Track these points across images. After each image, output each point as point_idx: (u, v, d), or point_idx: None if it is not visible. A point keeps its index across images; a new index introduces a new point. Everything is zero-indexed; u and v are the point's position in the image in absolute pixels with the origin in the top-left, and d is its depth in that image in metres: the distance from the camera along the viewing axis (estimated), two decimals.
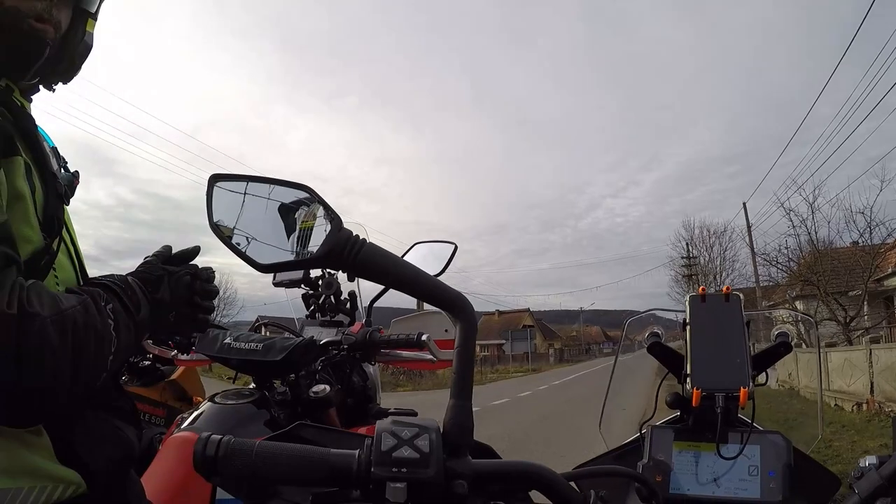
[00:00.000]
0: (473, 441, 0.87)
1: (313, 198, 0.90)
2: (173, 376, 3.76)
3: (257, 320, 2.95)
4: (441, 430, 0.83)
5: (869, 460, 1.01)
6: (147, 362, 3.65)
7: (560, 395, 22.49)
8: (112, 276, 1.19)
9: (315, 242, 0.87)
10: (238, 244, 0.91)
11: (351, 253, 0.83)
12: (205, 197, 0.96)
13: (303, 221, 0.90)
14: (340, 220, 0.85)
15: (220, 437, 0.81)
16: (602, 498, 0.89)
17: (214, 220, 0.94)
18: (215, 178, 0.96)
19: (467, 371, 0.86)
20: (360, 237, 0.85)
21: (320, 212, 0.88)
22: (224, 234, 0.93)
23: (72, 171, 3.00)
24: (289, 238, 0.90)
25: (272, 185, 0.94)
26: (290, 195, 0.92)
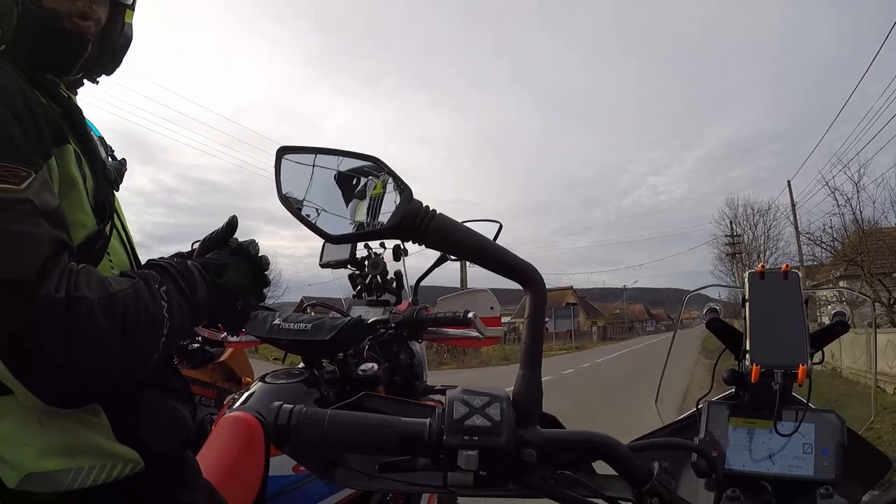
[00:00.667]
0: (542, 411, 0.88)
1: (382, 169, 0.90)
2: (222, 358, 3.81)
3: (302, 301, 2.99)
4: (511, 399, 0.84)
5: None
6: (196, 345, 3.71)
7: (603, 373, 22.33)
8: (171, 257, 1.22)
9: (385, 213, 0.87)
10: (308, 216, 0.92)
11: (423, 223, 0.84)
12: (273, 169, 0.97)
13: (373, 192, 0.91)
14: (411, 191, 0.86)
15: (292, 406, 0.83)
16: (666, 469, 0.90)
17: (283, 192, 0.94)
18: (283, 151, 0.97)
19: (537, 341, 0.87)
20: (432, 208, 0.86)
21: (390, 183, 0.89)
22: (293, 206, 0.93)
23: (119, 158, 3.07)
24: (360, 209, 0.91)
25: (340, 157, 0.94)
26: (360, 166, 0.93)
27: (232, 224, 1.31)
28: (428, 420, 0.81)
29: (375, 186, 0.91)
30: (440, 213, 0.86)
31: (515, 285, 0.89)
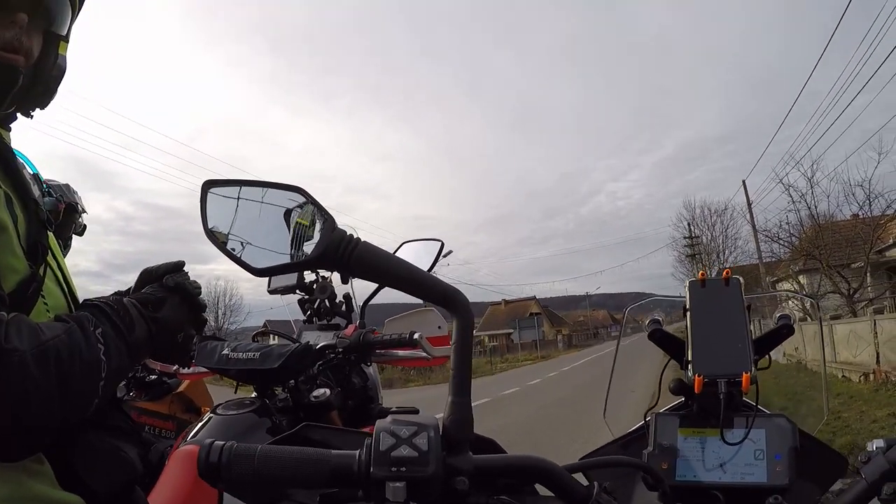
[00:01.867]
0: (474, 436, 0.87)
1: (306, 199, 0.89)
2: (180, 389, 3.75)
3: (265, 325, 2.96)
4: (441, 426, 0.83)
5: (876, 444, 0.99)
6: (154, 376, 3.65)
7: (569, 381, 22.54)
8: (108, 296, 1.18)
9: (310, 244, 0.86)
10: (233, 249, 0.91)
11: (346, 253, 0.83)
12: (199, 204, 0.95)
13: (297, 223, 0.89)
14: (334, 221, 0.85)
15: (223, 443, 0.81)
16: (606, 489, 0.89)
17: (209, 226, 0.94)
18: (208, 185, 0.96)
19: (465, 367, 0.86)
20: (355, 237, 0.85)
21: (314, 213, 0.88)
22: (219, 241, 0.92)
23: (55, 195, 3.01)
24: (283, 241, 0.90)
25: (265, 189, 0.93)
26: (284, 198, 0.92)
27: (178, 265, 1.30)
28: (358, 452, 0.80)
29: (300, 217, 0.90)
30: (364, 242, 0.85)
31: (477, 299, 0.88)
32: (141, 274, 1.29)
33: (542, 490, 0.94)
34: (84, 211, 3.46)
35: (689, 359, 1.18)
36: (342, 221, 0.87)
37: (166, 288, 1.25)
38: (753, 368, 1.15)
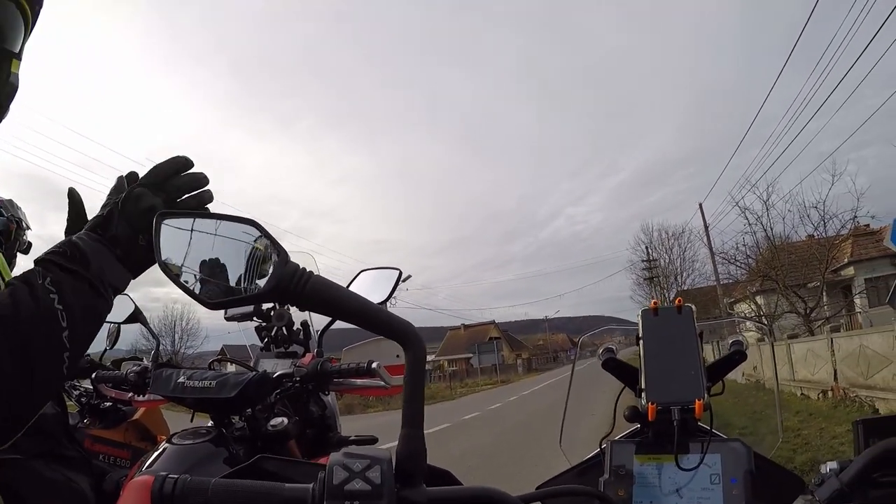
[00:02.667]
0: (427, 468, 0.87)
1: (260, 232, 0.89)
2: (135, 416, 3.68)
3: (222, 350, 2.93)
4: (393, 459, 0.82)
5: (830, 466, 1.01)
6: (108, 403, 3.58)
7: (529, 406, 22.58)
8: (56, 244, 1.10)
9: (262, 277, 0.86)
10: (186, 282, 0.90)
11: (298, 286, 0.83)
12: (152, 235, 0.95)
13: (249, 256, 0.89)
14: (287, 254, 0.85)
15: (175, 476, 0.80)
16: None
17: (163, 258, 0.93)
18: (162, 216, 0.95)
19: (417, 399, 0.86)
20: (308, 270, 0.85)
21: (267, 246, 0.88)
22: (172, 273, 0.92)
23: (6, 215, 2.96)
24: (237, 274, 0.89)
25: (218, 221, 0.93)
26: (237, 230, 0.91)
27: (131, 174, 1.20)
28: (311, 486, 0.79)
29: (252, 250, 0.89)
30: (316, 275, 0.85)
31: (436, 323, 0.88)
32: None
33: None
34: (28, 227, 3.40)
35: (643, 387, 1.19)
36: (301, 246, 0.86)
37: (110, 201, 1.16)
38: (706, 395, 1.16)
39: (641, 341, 1.27)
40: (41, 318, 0.94)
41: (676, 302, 1.31)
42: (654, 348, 1.25)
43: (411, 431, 0.84)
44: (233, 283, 0.89)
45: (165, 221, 0.95)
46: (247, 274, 0.88)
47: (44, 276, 0.98)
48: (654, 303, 1.31)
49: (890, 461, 0.97)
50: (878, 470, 0.97)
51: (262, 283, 0.85)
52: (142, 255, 1.14)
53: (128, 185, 1.17)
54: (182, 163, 1.16)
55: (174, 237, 0.94)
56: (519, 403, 24.76)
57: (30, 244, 3.70)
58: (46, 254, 1.06)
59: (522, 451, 11.24)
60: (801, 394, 15.46)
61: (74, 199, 1.21)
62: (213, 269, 0.91)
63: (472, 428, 16.74)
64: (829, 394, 13.76)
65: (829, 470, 1.01)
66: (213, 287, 0.90)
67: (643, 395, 1.18)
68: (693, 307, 1.31)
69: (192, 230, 0.94)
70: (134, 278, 1.15)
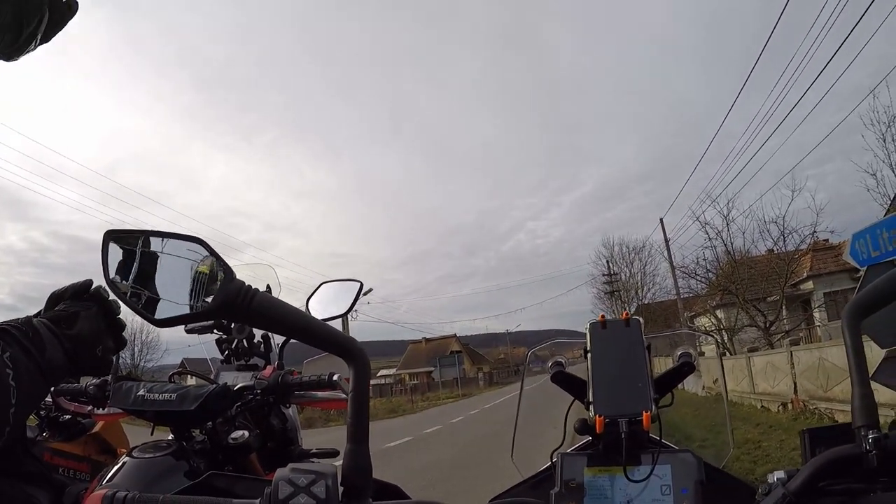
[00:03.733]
0: (373, 483, 0.88)
1: (206, 250, 0.90)
2: (95, 429, 3.62)
3: (182, 364, 2.90)
4: (339, 475, 0.83)
5: (777, 475, 1.02)
6: (68, 416, 3.52)
7: (491, 419, 22.54)
8: (16, 319, 1.12)
9: (209, 295, 0.86)
10: (134, 300, 0.91)
11: (244, 303, 0.83)
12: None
13: (196, 274, 0.90)
14: (233, 272, 0.86)
15: (125, 493, 0.80)
16: None
17: (111, 277, 0.93)
18: (110, 235, 0.96)
19: (363, 414, 0.87)
20: (254, 287, 0.86)
21: (213, 264, 0.88)
22: (120, 291, 0.92)
23: None
24: (183, 291, 0.90)
25: (166, 239, 0.94)
26: (184, 248, 0.92)
27: (86, 284, 1.24)
28: (258, 501, 0.80)
29: (199, 267, 0.90)
30: (262, 293, 0.86)
31: (398, 337, 0.88)
32: (49, 297, 1.22)
33: None
34: None
35: (591, 399, 1.21)
36: (262, 258, 0.87)
37: (78, 302, 1.20)
38: (654, 407, 1.18)
39: (589, 354, 1.28)
40: None
41: (623, 314, 1.33)
42: (602, 361, 1.26)
43: (356, 447, 0.85)
44: (180, 300, 0.90)
45: (113, 240, 0.95)
46: (194, 291, 0.89)
47: (3, 350, 0.98)
48: (602, 316, 1.33)
49: (835, 470, 0.98)
50: (825, 479, 0.98)
51: (208, 300, 0.86)
52: (89, 361, 1.18)
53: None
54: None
55: (121, 256, 0.95)
56: (480, 416, 24.74)
57: None
58: (6, 325, 1.06)
59: (485, 465, 11.22)
60: (762, 406, 15.64)
61: (84, 287, 1.23)
62: (160, 287, 0.92)
63: (433, 441, 16.68)
64: (789, 406, 13.93)
65: (777, 479, 1.02)
66: (161, 304, 0.90)
67: (591, 407, 1.20)
68: (640, 319, 1.33)
69: (139, 249, 0.94)
70: (72, 377, 1.18)
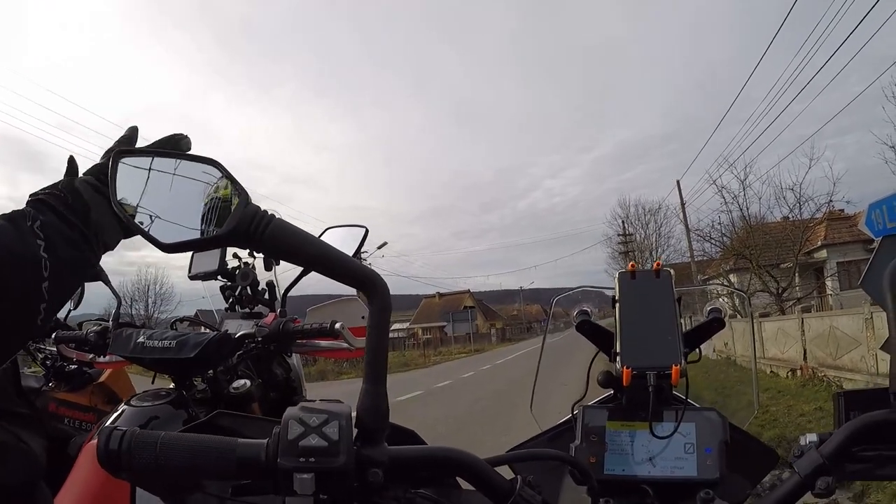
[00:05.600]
0: (390, 426, 0.83)
1: (221, 173, 0.84)
2: (101, 379, 3.62)
3: (196, 315, 2.88)
4: (353, 416, 0.79)
5: (809, 438, 0.99)
6: (73, 366, 3.52)
7: (503, 375, 22.71)
8: (54, 184, 1.03)
9: (222, 219, 0.81)
10: (141, 223, 0.85)
11: (258, 229, 0.78)
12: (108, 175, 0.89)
13: (209, 198, 0.84)
14: (248, 196, 0.80)
15: (123, 430, 0.76)
16: (530, 483, 0.86)
17: (118, 198, 0.88)
18: (119, 154, 0.90)
19: (381, 353, 0.82)
20: (269, 212, 0.80)
21: (228, 187, 0.83)
22: (126, 213, 0.87)
23: None
24: (195, 215, 0.84)
25: (179, 160, 0.88)
26: (197, 170, 0.86)
27: (131, 135, 1.10)
28: (266, 441, 0.75)
29: (213, 191, 0.84)
30: (278, 218, 0.80)
31: (412, 291, 0.83)
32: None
33: (464, 484, 0.91)
34: None
35: (618, 350, 1.16)
36: (279, 211, 0.82)
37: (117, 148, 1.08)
38: (683, 361, 1.13)
39: (618, 304, 1.23)
40: (21, 263, 0.87)
41: (655, 265, 1.27)
42: (631, 312, 1.21)
43: (372, 387, 0.81)
44: (190, 225, 0.84)
45: (122, 160, 0.90)
46: (206, 216, 0.84)
47: (34, 219, 0.91)
48: (632, 265, 1.28)
49: (869, 435, 0.95)
50: (858, 444, 0.95)
51: (220, 225, 0.81)
52: None
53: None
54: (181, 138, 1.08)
55: (131, 176, 0.90)
56: (492, 372, 24.93)
57: None
58: (42, 192, 0.98)
59: (495, 420, 11.32)
60: (771, 371, 15.65)
61: (73, 169, 1.11)
62: (170, 210, 0.86)
63: (445, 396, 16.84)
64: (798, 372, 13.95)
65: (809, 442, 0.98)
66: (170, 228, 0.85)
67: (618, 359, 1.15)
68: (672, 271, 1.27)
69: (150, 169, 0.89)
70: (125, 238, 1.08)
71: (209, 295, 2.77)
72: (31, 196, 0.98)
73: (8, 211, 0.90)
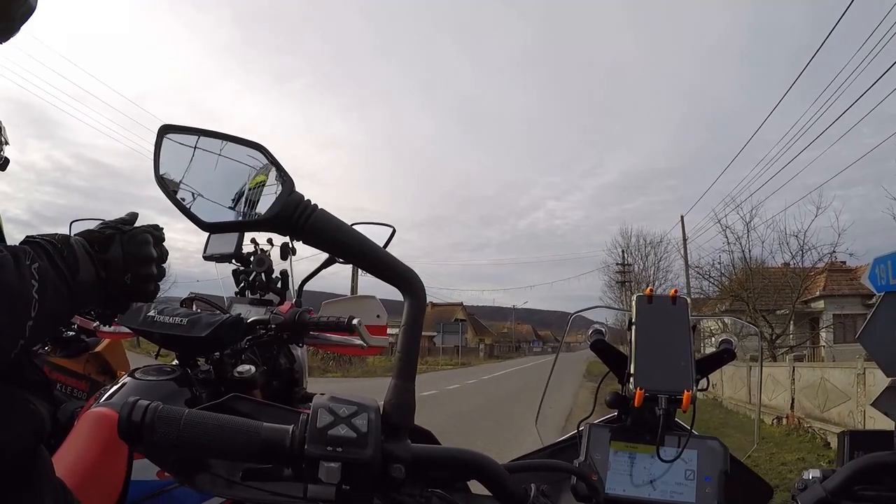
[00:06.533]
0: (414, 424, 0.84)
1: (267, 158, 0.85)
2: (97, 349, 3.63)
3: (191, 295, 2.87)
4: (381, 410, 0.80)
5: (812, 473, 1.02)
6: (71, 332, 3.52)
7: (488, 390, 22.61)
8: (51, 234, 1.07)
9: (264, 204, 0.82)
10: (183, 199, 0.87)
11: (302, 217, 0.79)
12: (152, 148, 0.91)
13: (253, 181, 0.85)
14: (293, 183, 0.81)
15: (147, 402, 0.77)
16: (543, 492, 0.87)
17: (161, 172, 0.89)
18: (166, 129, 0.91)
19: (413, 350, 0.83)
20: (313, 202, 0.82)
21: (273, 173, 0.84)
22: (169, 189, 0.88)
23: None
24: (237, 198, 0.86)
25: (225, 142, 0.89)
26: (243, 154, 0.87)
27: (130, 219, 1.20)
28: (291, 427, 0.76)
29: (258, 175, 0.86)
30: (322, 209, 0.82)
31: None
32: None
33: (474, 488, 0.92)
34: (7, 142, 3.29)
35: (632, 372, 1.17)
36: None
37: (114, 226, 1.15)
38: (695, 388, 1.15)
39: (634, 326, 1.25)
40: (14, 297, 0.89)
41: (672, 292, 1.29)
42: (647, 335, 1.23)
43: (403, 383, 0.82)
44: (232, 206, 0.86)
45: (168, 135, 0.91)
46: (248, 199, 0.85)
47: (32, 260, 0.94)
48: (650, 289, 1.30)
49: (871, 475, 0.98)
50: (860, 482, 0.98)
51: (263, 209, 0.82)
52: (117, 286, 1.13)
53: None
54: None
55: (176, 152, 0.91)
56: (477, 387, 24.84)
57: (6, 160, 3.58)
58: (41, 238, 1.02)
59: (477, 435, 11.29)
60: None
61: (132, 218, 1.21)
62: (212, 190, 0.87)
63: (428, 406, 16.80)
64: (784, 421, 13.91)
65: (812, 477, 1.01)
66: (211, 207, 0.86)
67: (631, 380, 1.16)
68: (688, 300, 1.29)
69: (195, 147, 0.90)
70: (101, 305, 1.15)
71: (220, 278, 2.76)
72: (28, 237, 1.03)
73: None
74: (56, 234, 1.07)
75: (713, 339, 22.11)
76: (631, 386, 1.15)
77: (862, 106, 17.16)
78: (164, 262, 1.24)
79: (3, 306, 0.88)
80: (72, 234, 1.09)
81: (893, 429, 1.02)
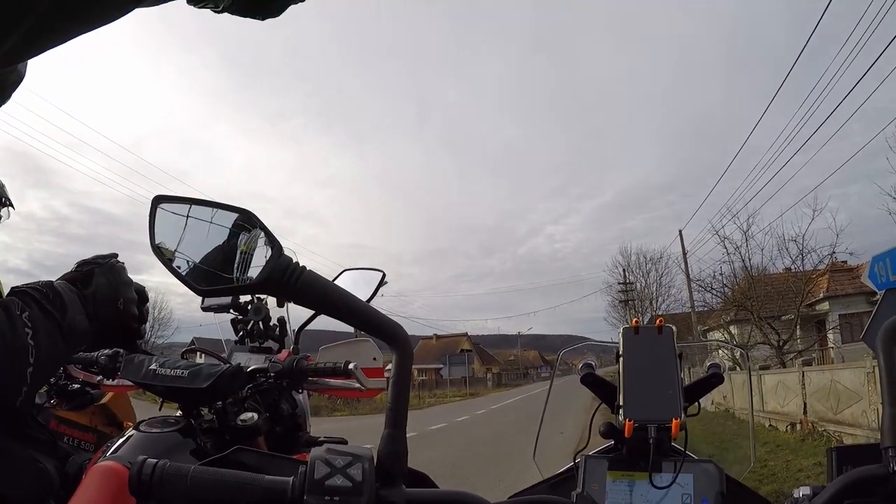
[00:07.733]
0: (408, 469, 0.88)
1: (254, 223, 0.89)
2: (103, 400, 3.64)
3: (192, 342, 2.90)
4: (375, 458, 0.83)
5: (802, 491, 1.03)
6: (76, 385, 3.54)
7: (497, 420, 22.53)
8: (35, 282, 1.13)
9: (255, 268, 0.86)
10: (178, 267, 0.90)
11: (290, 280, 0.83)
12: (147, 217, 0.95)
13: (243, 246, 0.89)
14: (281, 247, 0.85)
15: (155, 461, 0.80)
16: None
17: (157, 241, 0.92)
18: (159, 200, 0.95)
19: (402, 401, 0.87)
20: (301, 264, 0.86)
21: (261, 238, 0.88)
22: (165, 257, 0.92)
23: None
24: (229, 263, 0.90)
25: (215, 209, 0.93)
26: (232, 219, 0.91)
27: (110, 257, 1.26)
28: (291, 479, 0.80)
29: (247, 241, 0.89)
30: (309, 270, 0.85)
31: (409, 332, 0.89)
32: (76, 265, 1.24)
33: None
34: (10, 205, 3.30)
35: (621, 403, 1.20)
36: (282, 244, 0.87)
37: (91, 262, 1.21)
38: (683, 415, 1.17)
39: (621, 358, 1.28)
40: (12, 348, 0.94)
41: (657, 321, 1.32)
42: (634, 366, 1.26)
43: (394, 432, 0.85)
44: (225, 271, 0.89)
45: (161, 206, 0.95)
46: (239, 263, 0.89)
47: (22, 310, 0.98)
48: (635, 321, 1.33)
49: (858, 490, 0.98)
50: (849, 497, 0.98)
51: (254, 273, 0.85)
52: (113, 317, 1.19)
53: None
54: None
55: (170, 222, 0.94)
56: (486, 417, 24.75)
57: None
58: (27, 287, 1.07)
59: (489, 465, 11.24)
60: (770, 425, 15.55)
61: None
62: (205, 256, 0.91)
63: (439, 438, 16.71)
64: (798, 426, 13.84)
65: (802, 495, 1.02)
66: (205, 274, 0.90)
67: (621, 411, 1.19)
68: (674, 328, 1.32)
69: (187, 216, 0.94)
70: (95, 342, 1.20)
71: (217, 323, 2.78)
72: (14, 289, 1.08)
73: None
74: (40, 280, 1.11)
75: (720, 351, 22.06)
76: (621, 417, 1.18)
77: (849, 104, 17.23)
78: (145, 304, 1.30)
79: (2, 358, 0.92)
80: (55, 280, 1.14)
81: (880, 442, 1.03)
